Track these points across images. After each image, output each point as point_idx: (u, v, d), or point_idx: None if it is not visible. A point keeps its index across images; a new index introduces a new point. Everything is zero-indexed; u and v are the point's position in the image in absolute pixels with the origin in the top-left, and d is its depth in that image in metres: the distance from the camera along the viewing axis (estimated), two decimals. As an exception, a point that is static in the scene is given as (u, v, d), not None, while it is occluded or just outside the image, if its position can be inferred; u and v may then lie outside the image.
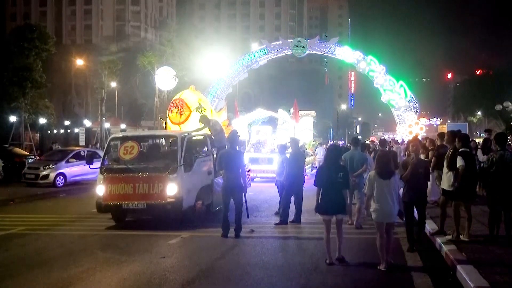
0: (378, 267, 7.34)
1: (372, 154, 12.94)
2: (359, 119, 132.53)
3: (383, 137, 20.82)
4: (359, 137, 16.72)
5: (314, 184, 7.83)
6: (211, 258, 8.13)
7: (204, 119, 13.22)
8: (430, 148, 13.54)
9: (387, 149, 13.13)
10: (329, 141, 29.39)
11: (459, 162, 8.41)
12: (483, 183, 9.25)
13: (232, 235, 9.58)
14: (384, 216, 7.35)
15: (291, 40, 38.93)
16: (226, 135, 14.93)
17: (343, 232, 8.03)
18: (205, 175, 11.73)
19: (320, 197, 7.69)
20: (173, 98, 15.16)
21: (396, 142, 24.78)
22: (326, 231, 7.77)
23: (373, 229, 10.38)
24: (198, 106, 14.29)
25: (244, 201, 10.02)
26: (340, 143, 31.58)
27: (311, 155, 26.92)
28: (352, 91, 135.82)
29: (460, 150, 8.63)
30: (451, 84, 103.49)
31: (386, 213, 7.33)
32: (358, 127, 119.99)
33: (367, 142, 20.03)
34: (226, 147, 11.61)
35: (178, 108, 14.37)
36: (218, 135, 12.77)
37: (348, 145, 24.72)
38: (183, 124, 13.98)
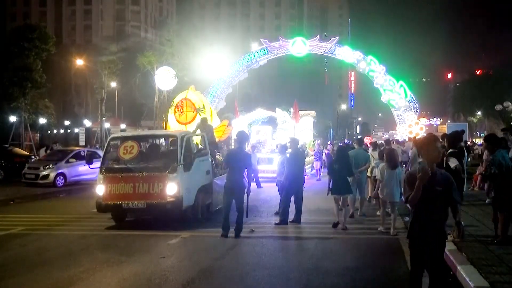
0: (378, 228, 10.16)
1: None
2: (359, 119, 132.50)
3: (387, 137, 22.10)
4: (359, 137, 17.44)
5: (328, 173, 11.04)
6: (211, 258, 8.13)
7: (203, 122, 13.34)
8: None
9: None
10: (316, 141, 29.45)
11: (453, 162, 8.40)
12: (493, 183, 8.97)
13: (232, 235, 9.58)
14: (390, 196, 9.95)
15: (291, 40, 38.90)
16: (225, 137, 15.08)
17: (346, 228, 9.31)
18: (204, 174, 11.74)
19: (331, 183, 10.53)
20: (180, 98, 15.16)
21: (398, 141, 25.06)
22: (336, 205, 10.57)
23: (373, 228, 10.47)
24: (199, 108, 14.37)
25: (246, 201, 10.05)
26: (329, 143, 31.58)
27: (312, 155, 26.93)
28: (352, 91, 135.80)
29: (449, 151, 8.66)
30: (451, 84, 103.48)
31: (391, 194, 9.94)
32: (358, 127, 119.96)
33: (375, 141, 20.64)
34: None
35: (178, 108, 14.45)
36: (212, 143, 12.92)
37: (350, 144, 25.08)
38: (190, 124, 14.06)
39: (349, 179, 10.81)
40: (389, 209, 10.21)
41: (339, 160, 10.80)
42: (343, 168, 10.56)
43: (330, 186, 10.53)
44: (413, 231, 5.04)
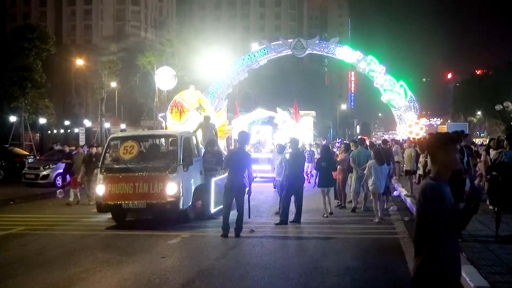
0: (373, 220, 11.27)
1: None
2: (359, 119, 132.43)
3: (384, 138, 22.30)
4: (359, 137, 17.77)
5: (314, 169, 13.34)
6: (211, 258, 8.13)
7: (206, 120, 13.33)
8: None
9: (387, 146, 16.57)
10: (311, 142, 28.94)
11: None
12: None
13: (232, 235, 9.57)
14: (378, 188, 11.40)
15: (291, 40, 38.83)
16: (224, 136, 15.05)
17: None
18: (198, 174, 11.74)
19: (318, 177, 12.37)
20: (174, 98, 15.20)
21: (396, 142, 25.18)
22: (323, 197, 12.11)
23: (373, 228, 10.49)
24: (198, 106, 14.34)
25: (248, 202, 10.05)
26: (323, 142, 30.59)
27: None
28: (352, 91, 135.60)
29: None
30: (451, 84, 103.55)
31: (379, 187, 11.40)
32: (358, 127, 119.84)
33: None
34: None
35: (178, 108, 14.42)
36: (210, 141, 12.85)
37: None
38: (184, 125, 14.04)
39: (350, 175, 13.13)
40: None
41: (325, 158, 12.57)
42: (329, 165, 12.38)
43: (317, 181, 12.39)
44: (436, 274, 3.24)
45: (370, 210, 12.20)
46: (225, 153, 13.21)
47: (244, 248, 8.96)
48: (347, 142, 18.69)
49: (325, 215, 11.97)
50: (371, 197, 12.48)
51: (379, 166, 11.41)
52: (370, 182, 11.49)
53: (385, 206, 13.22)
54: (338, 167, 13.66)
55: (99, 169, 11.12)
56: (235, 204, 9.83)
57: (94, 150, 15.73)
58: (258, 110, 30.90)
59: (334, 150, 23.79)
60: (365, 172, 12.73)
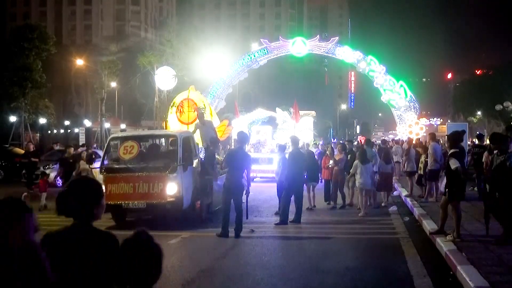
0: (359, 214, 12.04)
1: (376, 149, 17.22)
2: (359, 119, 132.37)
3: (383, 139, 22.53)
4: (359, 137, 18.09)
5: None
6: (211, 258, 8.12)
7: (200, 118, 13.36)
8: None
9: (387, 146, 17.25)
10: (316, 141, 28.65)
11: (454, 164, 8.35)
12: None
13: (232, 235, 9.57)
14: (364, 184, 12.25)
15: (291, 40, 38.88)
16: (224, 136, 15.06)
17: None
18: (196, 175, 11.74)
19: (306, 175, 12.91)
20: (181, 98, 15.17)
21: (397, 142, 25.26)
22: (308, 192, 13.04)
23: (373, 228, 10.50)
24: (201, 107, 14.43)
25: (246, 202, 10.05)
26: (321, 142, 30.22)
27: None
28: (352, 91, 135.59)
29: (451, 151, 8.61)
30: (451, 84, 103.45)
31: (366, 183, 12.28)
32: (358, 127, 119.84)
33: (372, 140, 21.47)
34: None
35: (178, 108, 14.47)
36: (210, 137, 12.85)
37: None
38: (191, 124, 14.11)
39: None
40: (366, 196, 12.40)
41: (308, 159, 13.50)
42: (314, 165, 13.74)
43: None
44: None
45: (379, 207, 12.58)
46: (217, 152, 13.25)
47: (244, 248, 8.96)
48: (343, 142, 18.73)
49: (308, 207, 12.80)
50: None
51: (363, 165, 12.36)
52: (356, 179, 12.42)
53: (383, 204, 13.56)
54: (335, 168, 13.62)
55: (99, 169, 11.12)
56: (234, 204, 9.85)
57: (71, 150, 15.20)
58: (258, 110, 30.87)
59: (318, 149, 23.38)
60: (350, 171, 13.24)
